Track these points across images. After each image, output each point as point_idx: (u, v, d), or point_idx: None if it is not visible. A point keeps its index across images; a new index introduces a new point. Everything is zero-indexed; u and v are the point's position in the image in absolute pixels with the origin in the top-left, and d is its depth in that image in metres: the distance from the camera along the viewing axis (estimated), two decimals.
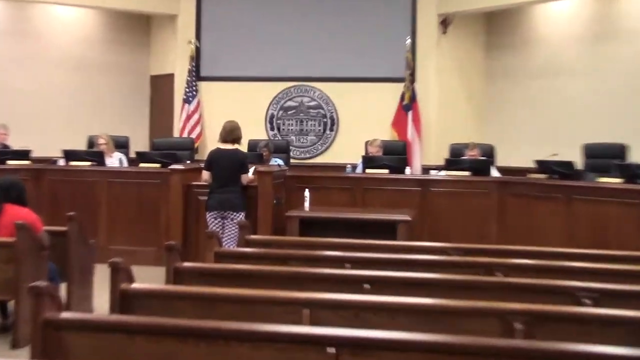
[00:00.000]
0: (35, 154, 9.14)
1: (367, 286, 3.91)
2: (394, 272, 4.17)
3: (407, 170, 8.83)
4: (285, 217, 7.35)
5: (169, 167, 7.94)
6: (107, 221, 8.49)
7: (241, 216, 6.91)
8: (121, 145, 9.72)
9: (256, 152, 8.72)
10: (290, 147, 10.57)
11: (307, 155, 11.27)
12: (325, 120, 11.24)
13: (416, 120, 10.64)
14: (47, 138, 10.56)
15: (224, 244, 6.44)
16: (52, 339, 2.90)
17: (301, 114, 11.31)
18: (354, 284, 3.93)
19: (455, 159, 8.99)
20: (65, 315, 2.96)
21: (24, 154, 8.93)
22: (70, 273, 5.79)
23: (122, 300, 3.44)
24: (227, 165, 7.01)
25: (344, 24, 11.14)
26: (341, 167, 9.18)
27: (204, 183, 7.25)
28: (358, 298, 3.49)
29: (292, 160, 10.22)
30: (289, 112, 11.32)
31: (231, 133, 7.08)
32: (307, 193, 7.63)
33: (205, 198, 7.13)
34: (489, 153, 9.32)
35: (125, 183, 8.58)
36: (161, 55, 11.99)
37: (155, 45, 12.13)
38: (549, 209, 7.69)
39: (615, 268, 4.44)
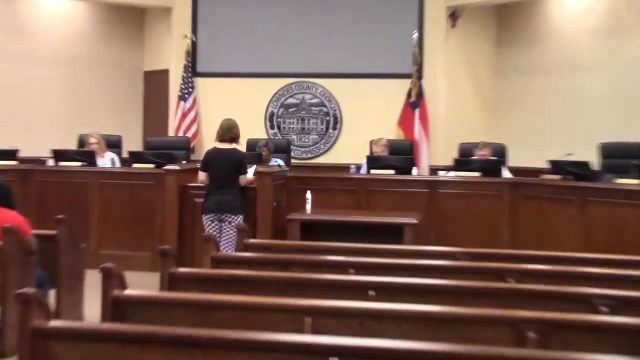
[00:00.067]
0: (22, 153, 9.14)
1: (372, 293, 3.91)
2: (400, 278, 4.17)
3: (414, 170, 8.83)
4: (286, 220, 7.35)
5: (164, 167, 7.95)
6: (99, 224, 8.49)
7: (239, 219, 6.90)
8: (113, 144, 9.72)
9: (255, 152, 8.71)
10: (291, 147, 10.58)
11: (309, 155, 11.27)
12: (327, 118, 11.24)
13: (423, 119, 10.64)
14: (35, 137, 10.57)
15: (221, 248, 6.44)
16: (40, 349, 2.89)
17: (303, 112, 11.32)
18: (358, 291, 3.92)
19: (464, 159, 8.98)
20: (55, 323, 2.96)
21: (10, 154, 8.93)
22: (59, 279, 5.79)
23: (114, 307, 3.44)
24: (224, 166, 7.01)
25: (347, 17, 11.14)
26: (345, 168, 9.17)
27: (201, 184, 7.25)
28: (362, 305, 3.48)
29: (293, 161, 10.23)
30: (290, 110, 11.32)
31: (229, 132, 7.08)
32: (308, 195, 7.62)
33: (202, 200, 7.14)
34: (500, 153, 9.32)
35: (118, 184, 8.58)
36: (155, 50, 11.99)
37: (149, 39, 12.14)
38: (564, 212, 7.68)
39: (634, 274, 4.44)
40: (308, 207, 7.59)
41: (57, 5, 11.54)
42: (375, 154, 9.11)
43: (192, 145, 10.72)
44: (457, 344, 2.76)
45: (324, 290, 3.91)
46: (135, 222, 8.43)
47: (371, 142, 9.49)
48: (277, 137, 11.02)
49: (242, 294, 3.68)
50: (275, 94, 11.33)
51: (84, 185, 8.57)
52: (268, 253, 5.26)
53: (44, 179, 8.69)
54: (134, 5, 11.81)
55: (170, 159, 8.51)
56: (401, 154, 9.23)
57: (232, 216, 6.94)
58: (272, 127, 11.33)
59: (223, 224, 6.97)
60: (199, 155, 9.22)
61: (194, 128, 11.14)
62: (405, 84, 10.71)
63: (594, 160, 8.66)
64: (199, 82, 11.37)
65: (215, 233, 6.78)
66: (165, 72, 11.65)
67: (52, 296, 5.56)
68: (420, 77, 10.69)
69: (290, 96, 11.33)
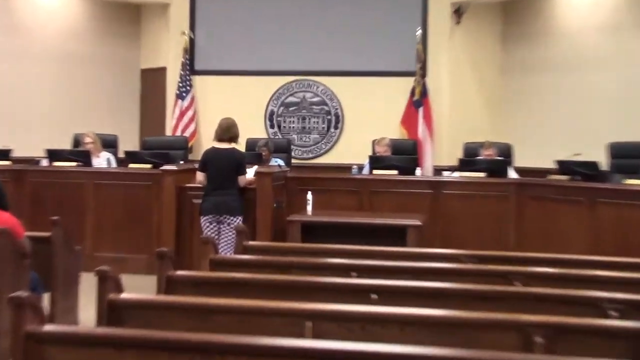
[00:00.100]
0: (16, 153, 9.15)
1: (374, 296, 3.90)
2: (403, 281, 4.17)
3: (418, 171, 8.83)
4: (286, 221, 7.35)
5: (161, 167, 7.95)
6: (94, 226, 8.49)
7: (238, 220, 6.90)
8: (109, 144, 9.73)
9: (255, 152, 8.71)
10: (292, 147, 10.58)
11: (310, 155, 11.27)
12: (329, 117, 11.24)
13: (427, 118, 10.64)
14: (29, 136, 10.57)
15: (220, 250, 6.43)
16: (34, 354, 2.89)
17: (303, 111, 11.32)
18: (360, 294, 3.92)
19: (469, 159, 8.98)
20: (49, 328, 2.96)
21: (4, 154, 8.94)
22: (54, 282, 5.78)
23: (110, 311, 3.44)
24: (223, 166, 7.01)
25: (349, 14, 11.14)
26: (346, 168, 9.17)
27: (199, 185, 7.25)
28: (365, 309, 3.48)
29: (293, 161, 10.24)
30: (291, 109, 11.32)
31: (228, 131, 7.08)
32: (309, 196, 7.62)
33: (200, 201, 7.14)
34: (506, 153, 9.32)
35: (114, 185, 8.58)
36: (152, 48, 11.99)
37: (146, 36, 12.14)
38: (571, 213, 7.68)
39: None
40: (309, 208, 7.59)
41: (52, 2, 11.54)
42: (377, 154, 9.11)
43: (190, 144, 10.73)
44: (462, 349, 2.76)
45: (325, 294, 3.91)
46: (131, 223, 8.43)
47: (374, 141, 9.49)
48: (277, 137, 11.02)
49: (241, 297, 3.67)
50: (276, 92, 11.33)
51: (79, 186, 8.57)
52: (268, 255, 5.25)
53: (38, 179, 8.69)
54: (131, 1, 11.82)
55: (167, 159, 8.52)
56: (404, 154, 9.24)
57: (231, 218, 6.94)
58: (272, 127, 11.33)
59: (222, 226, 6.97)
60: (197, 155, 9.22)
61: (191, 127, 11.14)
62: (408, 82, 10.71)
63: (603, 160, 8.65)
64: (197, 80, 11.38)
65: (213, 235, 6.79)
66: (162, 70, 11.65)
67: (46, 300, 5.55)
68: (424, 75, 10.68)
69: (291, 94, 11.33)
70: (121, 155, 9.64)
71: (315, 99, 11.28)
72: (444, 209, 8.25)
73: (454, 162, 9.09)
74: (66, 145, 9.74)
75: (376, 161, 8.79)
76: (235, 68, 11.33)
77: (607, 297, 3.73)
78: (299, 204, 7.85)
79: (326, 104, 11.25)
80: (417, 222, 7.08)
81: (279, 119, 11.34)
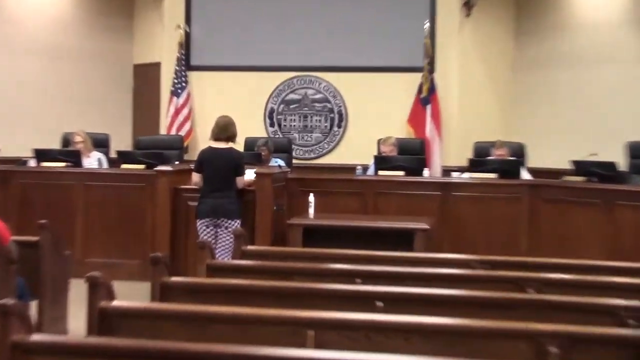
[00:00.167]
0: (2, 153, 9.15)
1: (379, 304, 3.91)
2: (410, 288, 4.17)
3: (426, 172, 8.83)
4: (287, 225, 7.36)
5: (155, 168, 7.95)
6: (85, 230, 8.49)
7: (236, 224, 6.90)
8: (100, 143, 9.73)
9: (254, 152, 8.71)
10: (293, 146, 10.58)
11: (312, 155, 11.27)
12: (332, 115, 11.24)
13: (435, 116, 10.63)
14: (15, 135, 10.58)
15: (217, 255, 6.44)
16: None
17: (305, 109, 11.32)
18: (364, 302, 3.92)
19: (480, 159, 8.98)
20: (36, 337, 2.96)
21: None
22: (42, 289, 5.79)
23: (101, 320, 3.44)
24: (220, 167, 7.01)
25: (353, 6, 11.14)
26: (350, 169, 9.18)
27: (195, 186, 7.25)
28: (369, 317, 3.48)
29: (294, 161, 10.23)
30: (291, 106, 11.32)
31: (225, 130, 7.08)
32: (311, 198, 7.62)
33: (196, 204, 7.14)
34: (518, 152, 9.31)
35: (105, 187, 8.58)
36: (146, 42, 12.00)
37: (139, 30, 12.15)
38: (588, 216, 7.67)
39: None
40: (311, 211, 7.59)
41: None
42: (383, 154, 9.10)
43: (185, 144, 10.73)
44: None
45: (328, 301, 3.92)
46: (124, 227, 8.43)
47: (379, 141, 9.48)
48: (277, 136, 11.02)
49: (240, 305, 3.67)
50: (276, 89, 11.33)
51: (68, 188, 8.57)
52: (267, 261, 5.26)
53: (26, 180, 8.69)
54: None
55: (161, 160, 8.52)
56: (411, 154, 9.23)
57: (229, 221, 6.94)
58: (272, 125, 11.33)
59: (219, 230, 6.96)
60: (193, 155, 9.22)
61: (187, 126, 11.14)
62: (415, 79, 10.70)
63: (621, 160, 8.64)
64: (193, 76, 11.38)
65: (210, 239, 6.78)
66: (156, 66, 11.66)
67: (33, 308, 5.55)
68: (432, 71, 10.68)
69: (292, 91, 11.33)
70: (113, 155, 9.64)
71: (318, 96, 11.28)
72: (453, 211, 8.25)
73: (464, 163, 9.09)
74: (55, 144, 9.74)
75: (381, 161, 8.79)
76: (233, 63, 11.33)
77: (625, 305, 3.73)
78: (301, 207, 7.85)
79: (329, 101, 11.25)
80: (425, 226, 7.07)
81: (279, 117, 11.34)
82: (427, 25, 10.71)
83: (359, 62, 11.09)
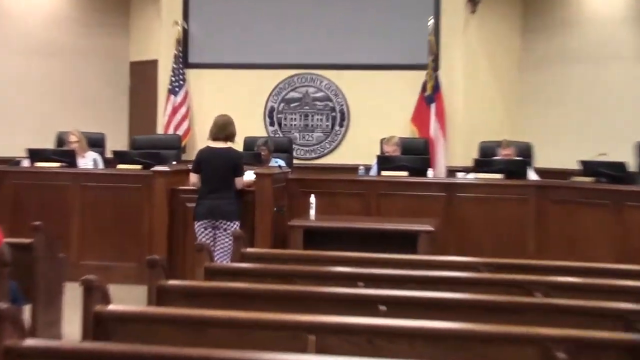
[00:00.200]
0: None
1: (382, 308, 3.91)
2: (414, 292, 4.17)
3: (430, 172, 8.83)
4: (288, 227, 7.36)
5: (152, 168, 7.94)
6: (80, 232, 8.49)
7: (235, 226, 6.90)
8: (96, 143, 9.74)
9: (253, 152, 8.71)
10: (293, 146, 10.58)
11: (313, 155, 11.27)
12: (333, 114, 11.24)
13: (440, 114, 10.63)
14: (8, 135, 10.60)
15: (215, 258, 6.44)
16: None
17: (306, 107, 11.32)
18: (367, 306, 3.92)
19: (485, 160, 8.98)
20: (30, 342, 2.96)
21: None
22: (35, 293, 5.79)
23: (97, 324, 3.44)
24: (219, 167, 7.01)
25: (355, 3, 11.14)
26: (352, 169, 9.18)
27: (192, 187, 7.26)
28: (372, 322, 3.48)
29: (295, 161, 10.23)
30: (292, 105, 11.32)
31: (224, 129, 7.08)
32: (312, 199, 7.62)
33: (194, 205, 7.14)
34: (525, 152, 9.31)
35: (101, 187, 8.59)
36: (143, 39, 12.00)
37: (135, 26, 12.15)
38: (596, 218, 7.67)
39: None
40: (312, 212, 7.59)
41: None
42: (386, 154, 9.11)
43: (183, 144, 10.73)
44: None
45: (330, 305, 3.92)
46: (120, 229, 8.43)
47: (382, 140, 9.49)
48: (277, 135, 11.02)
49: (239, 309, 3.67)
50: (276, 87, 11.33)
51: (63, 189, 8.57)
52: (267, 264, 5.26)
53: (19, 181, 8.69)
54: None
55: (159, 160, 8.52)
56: (415, 154, 9.23)
57: (228, 223, 6.94)
58: (272, 124, 11.33)
59: (217, 232, 6.96)
60: (191, 155, 9.23)
61: (185, 125, 11.14)
62: (419, 76, 10.70)
63: (630, 160, 8.64)
64: (191, 74, 11.37)
65: (208, 241, 6.78)
66: (153, 63, 11.65)
67: (27, 312, 5.55)
68: (436, 69, 10.67)
69: (292, 89, 11.33)
70: (109, 155, 9.65)
71: (319, 95, 11.28)
72: (458, 213, 8.25)
73: (469, 163, 9.09)
74: (49, 144, 9.75)
75: (384, 161, 8.79)
76: (232, 61, 11.33)
77: (635, 309, 3.73)
78: (301, 208, 7.86)
79: (330, 100, 11.25)
80: (429, 228, 7.07)
81: (279, 116, 11.34)
82: (431, 22, 10.70)
83: (361, 59, 11.08)
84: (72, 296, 5.57)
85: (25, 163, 9.01)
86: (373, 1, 11.09)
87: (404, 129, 10.52)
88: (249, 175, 7.37)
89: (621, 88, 10.07)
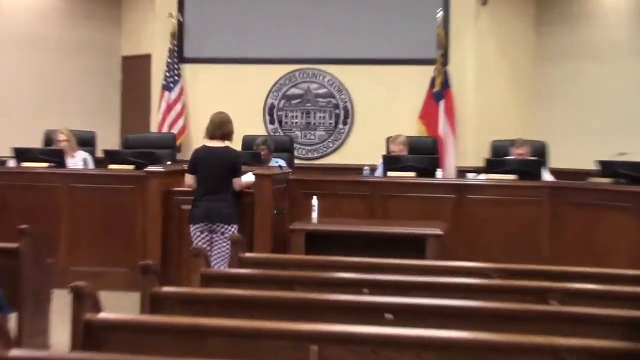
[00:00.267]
0: None
1: (389, 316, 3.91)
2: (421, 299, 4.17)
3: (439, 172, 8.82)
4: (288, 230, 7.36)
5: (145, 169, 7.95)
6: (69, 236, 8.50)
7: (233, 229, 6.91)
8: (86, 142, 9.74)
9: (252, 151, 8.72)
10: (295, 145, 10.58)
11: (315, 155, 11.28)
12: (337, 111, 11.24)
13: (449, 112, 10.63)
14: None
15: (212, 263, 6.44)
16: None
17: (308, 104, 11.32)
18: (372, 314, 3.93)
19: (497, 159, 8.99)
20: (16, 352, 2.96)
21: None
22: (22, 300, 5.79)
23: (87, 333, 3.44)
24: (215, 167, 7.02)
25: None
26: (357, 169, 9.18)
27: (188, 189, 7.26)
28: (377, 331, 3.48)
29: (296, 161, 10.24)
30: (293, 102, 11.33)
31: (221, 127, 7.08)
32: (314, 201, 7.63)
33: (190, 207, 7.14)
34: (539, 152, 9.31)
35: (91, 189, 8.59)
36: (135, 32, 12.01)
37: (127, 19, 12.16)
38: (616, 221, 7.67)
39: None
40: (314, 215, 7.60)
41: None
42: (392, 154, 9.11)
43: (178, 143, 10.74)
44: None
45: (333, 313, 3.92)
46: (111, 233, 8.44)
47: (388, 139, 9.49)
48: (277, 134, 11.03)
49: (237, 317, 3.68)
50: (276, 83, 11.34)
51: (51, 190, 8.57)
52: (267, 269, 5.26)
53: (4, 182, 8.69)
54: None
55: (152, 159, 8.52)
56: (423, 153, 9.23)
57: (225, 226, 6.94)
58: (272, 122, 11.34)
59: (214, 236, 6.97)
60: (186, 154, 9.23)
61: (180, 123, 11.15)
62: (428, 71, 10.71)
63: None
64: (187, 69, 11.39)
65: (205, 246, 6.79)
66: (146, 58, 11.67)
67: (12, 320, 5.55)
68: (445, 63, 10.68)
69: (294, 85, 11.34)
70: (99, 154, 9.65)
71: (321, 91, 11.28)
72: (469, 216, 8.25)
73: (480, 163, 9.10)
74: (36, 143, 9.75)
75: (391, 161, 8.79)
76: (230, 55, 11.34)
77: None
78: (303, 211, 7.86)
79: (334, 97, 11.25)
80: (438, 231, 7.07)
81: (279, 113, 11.34)
82: (440, 14, 10.70)
83: (366, 53, 11.08)
84: (60, 304, 5.58)
85: (11, 163, 9.01)
86: None
87: (411, 127, 10.53)
88: (248, 176, 7.37)
89: None
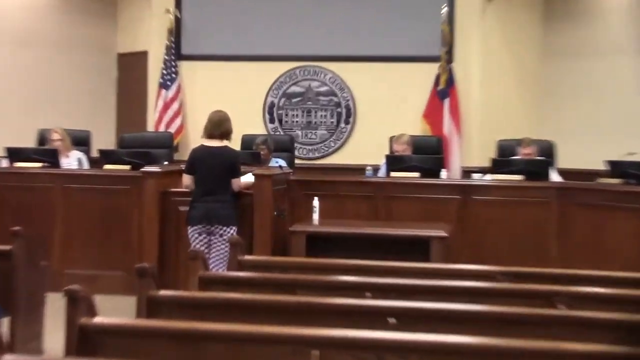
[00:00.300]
0: None
1: (392, 320, 3.91)
2: (426, 303, 4.17)
3: (443, 173, 8.82)
4: (289, 232, 7.36)
5: (142, 169, 7.95)
6: (63, 238, 8.50)
7: (232, 231, 6.91)
8: (80, 141, 9.75)
9: (252, 151, 8.72)
10: (295, 144, 10.58)
11: (317, 155, 11.28)
12: (339, 110, 11.24)
13: (454, 110, 10.63)
14: None
15: (210, 266, 6.44)
16: None
17: (309, 103, 11.32)
18: (375, 318, 3.93)
19: (504, 159, 8.98)
20: (9, 358, 2.96)
21: None
22: (15, 304, 5.79)
23: (81, 338, 3.44)
24: (214, 167, 7.02)
25: None
26: (359, 170, 9.18)
27: (186, 189, 7.26)
28: (381, 336, 3.48)
29: (297, 161, 10.24)
30: (294, 100, 11.33)
31: (219, 126, 7.08)
32: (315, 202, 7.63)
33: (187, 209, 7.14)
34: (547, 151, 9.32)
35: (86, 189, 8.59)
36: (131, 29, 12.01)
37: (123, 15, 12.15)
38: (625, 223, 7.66)
39: None
40: (315, 216, 7.60)
41: None
42: (396, 153, 9.11)
43: (175, 142, 10.74)
44: None
45: (335, 318, 3.92)
46: (107, 235, 8.44)
47: (391, 138, 9.49)
48: (278, 133, 11.03)
49: (236, 321, 3.68)
50: (276, 80, 11.34)
51: (45, 191, 8.58)
52: (267, 272, 5.26)
53: None
54: None
55: (149, 159, 8.53)
56: (427, 153, 9.24)
57: (224, 228, 6.94)
58: (272, 121, 11.34)
59: (213, 238, 6.97)
60: (184, 154, 9.23)
61: (177, 122, 11.15)
62: (432, 69, 10.70)
63: None
64: (184, 66, 11.39)
65: (203, 248, 6.79)
66: (143, 55, 11.66)
67: (5, 325, 5.56)
68: (450, 61, 10.67)
69: (294, 83, 11.34)
70: (94, 154, 9.66)
71: (323, 89, 11.28)
72: (474, 217, 8.25)
73: (486, 163, 9.09)
74: (30, 142, 9.75)
75: (394, 161, 8.79)
76: (229, 52, 11.33)
77: None
78: (304, 212, 7.87)
79: (335, 95, 11.25)
80: (443, 233, 7.08)
81: (280, 112, 11.34)
82: (445, 9, 10.70)
83: (369, 50, 11.08)
84: (54, 308, 5.58)
85: (4, 163, 9.01)
86: None
87: (415, 126, 10.52)
88: (247, 177, 7.38)
89: None
